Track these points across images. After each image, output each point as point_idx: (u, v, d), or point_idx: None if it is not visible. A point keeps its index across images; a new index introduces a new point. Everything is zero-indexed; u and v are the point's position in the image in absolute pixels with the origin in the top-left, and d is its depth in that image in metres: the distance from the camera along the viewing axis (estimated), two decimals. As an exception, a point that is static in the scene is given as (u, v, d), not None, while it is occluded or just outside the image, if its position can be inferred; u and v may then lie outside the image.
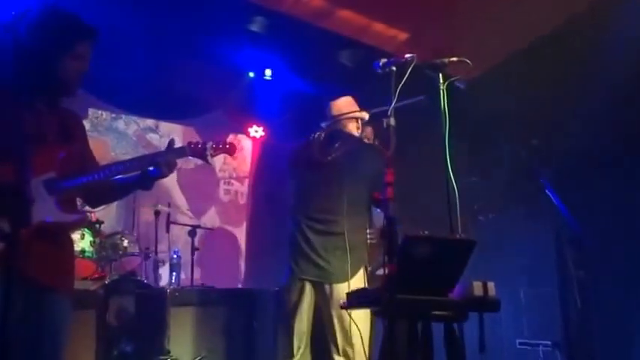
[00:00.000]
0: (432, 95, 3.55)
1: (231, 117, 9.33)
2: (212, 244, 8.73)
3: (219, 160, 9.47)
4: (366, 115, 4.53)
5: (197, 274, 7.78)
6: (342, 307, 3.21)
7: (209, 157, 3.35)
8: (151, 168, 3.12)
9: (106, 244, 6.50)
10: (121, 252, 6.56)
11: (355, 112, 4.52)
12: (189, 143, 3.33)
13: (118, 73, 7.36)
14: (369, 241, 4.19)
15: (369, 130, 4.61)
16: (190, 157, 3.33)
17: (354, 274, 4.04)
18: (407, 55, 3.44)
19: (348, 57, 7.74)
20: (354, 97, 4.76)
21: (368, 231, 4.19)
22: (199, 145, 3.34)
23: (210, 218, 9.25)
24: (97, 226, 6.57)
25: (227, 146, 3.43)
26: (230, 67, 8.28)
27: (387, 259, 3.02)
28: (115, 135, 8.63)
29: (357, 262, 4.09)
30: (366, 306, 3.33)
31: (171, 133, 8.98)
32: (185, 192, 9.05)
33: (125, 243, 6.63)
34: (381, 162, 3.35)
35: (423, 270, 2.94)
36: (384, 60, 3.47)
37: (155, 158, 3.15)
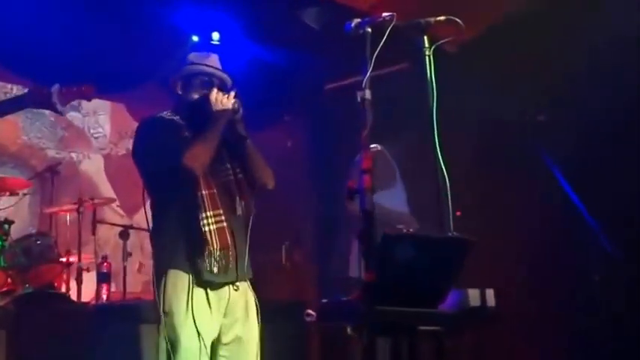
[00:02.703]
0: (415, 62, 3.55)
1: (169, 90, 9.27)
2: (149, 248, 8.70)
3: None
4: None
5: (131, 286, 7.74)
6: (308, 321, 3.22)
7: (58, 105, 3.29)
8: None
9: (16, 250, 6.45)
10: (35, 259, 6.51)
11: None
12: (31, 89, 3.26)
13: (31, 37, 7.28)
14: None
15: None
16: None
17: None
18: (384, 14, 3.43)
19: (313, 16, 7.72)
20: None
21: None
22: (43, 91, 3.26)
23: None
24: (6, 227, 6.52)
25: (82, 89, 3.37)
26: (168, 30, 8.21)
27: (365, 264, 3.03)
28: (27, 114, 8.55)
29: None
30: (338, 320, 3.33)
31: (98, 110, 8.93)
32: (114, 183, 9.02)
33: (41, 247, 6.58)
34: None
35: (407, 276, 2.95)
36: (357, 20, 3.46)
37: None
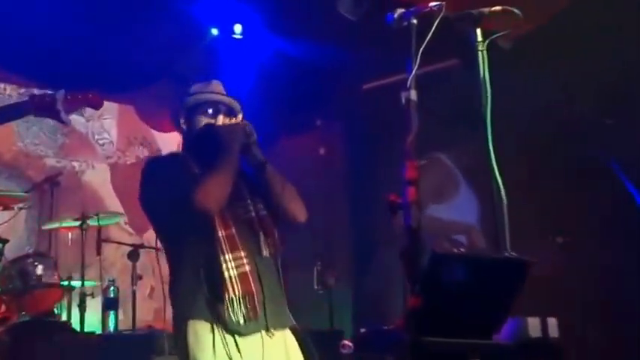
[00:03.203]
0: (467, 59, 3.56)
1: (185, 90, 9.31)
2: (161, 269, 8.73)
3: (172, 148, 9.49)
4: None
5: (141, 313, 7.78)
6: (344, 353, 3.24)
7: (63, 114, 3.32)
8: None
9: (11, 272, 6.49)
10: (33, 282, 6.54)
11: None
12: (33, 96, 3.28)
13: (28, 30, 7.35)
14: None
15: None
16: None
17: None
18: (432, 4, 3.44)
19: (349, 6, 7.74)
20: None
21: None
22: (46, 98, 3.29)
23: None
24: (0, 246, 6.56)
25: (88, 96, 3.40)
26: (184, 23, 8.27)
27: (409, 288, 3.03)
28: (24, 118, 8.59)
29: None
30: (378, 352, 3.34)
31: (103, 113, 8.97)
32: (122, 196, 9.05)
33: (39, 270, 6.61)
34: None
35: (457, 302, 2.95)
36: (400, 10, 3.46)
37: None
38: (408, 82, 3.25)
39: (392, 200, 3.10)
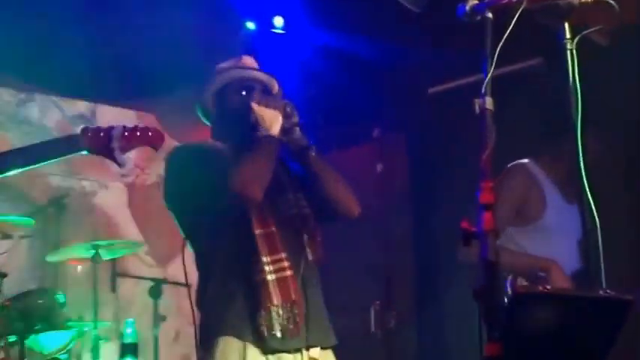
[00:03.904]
0: (552, 58, 3.57)
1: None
2: (188, 309, 8.76)
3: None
4: None
5: (165, 361, 7.83)
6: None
7: (118, 152, 3.36)
8: None
9: (11, 312, 6.55)
10: (36, 324, 6.59)
11: None
12: (86, 129, 3.33)
13: (32, 27, 7.44)
14: None
15: None
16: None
17: None
18: (511, -6, 3.45)
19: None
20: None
21: None
22: (101, 133, 3.34)
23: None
24: (-3, 280, 6.63)
25: (149, 134, 3.44)
26: (215, 15, 8.32)
27: (487, 333, 3.04)
28: (22, 127, 8.67)
29: None
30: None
31: (118, 123, 9.02)
32: (141, 222, 9.09)
33: (44, 309, 6.66)
34: None
35: (545, 350, 2.96)
36: (473, 1, 3.46)
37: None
38: (483, 88, 3.23)
39: (465, 228, 3.07)
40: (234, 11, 8.47)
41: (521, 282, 5.17)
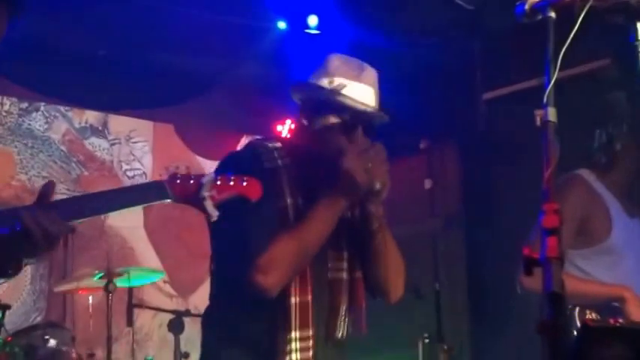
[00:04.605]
0: (622, 59, 3.56)
1: (242, 104, 9.39)
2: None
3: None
4: None
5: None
6: None
7: (208, 203, 3.36)
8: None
9: (14, 349, 6.58)
10: (43, 361, 6.64)
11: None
12: (173, 176, 3.36)
13: (38, 30, 7.50)
14: None
15: None
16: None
17: None
18: (576, -8, 3.44)
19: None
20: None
21: None
22: (190, 181, 3.37)
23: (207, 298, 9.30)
24: (-1, 314, 6.66)
25: (243, 182, 3.46)
26: (243, 14, 8.35)
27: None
28: (26, 140, 8.72)
29: None
30: None
31: (133, 135, 9.04)
32: (160, 247, 9.10)
33: (51, 345, 6.70)
34: None
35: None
36: (533, 0, 3.48)
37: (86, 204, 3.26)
38: (545, 97, 3.15)
39: (527, 255, 3.02)
40: (264, 10, 8.47)
41: (591, 314, 5.12)
